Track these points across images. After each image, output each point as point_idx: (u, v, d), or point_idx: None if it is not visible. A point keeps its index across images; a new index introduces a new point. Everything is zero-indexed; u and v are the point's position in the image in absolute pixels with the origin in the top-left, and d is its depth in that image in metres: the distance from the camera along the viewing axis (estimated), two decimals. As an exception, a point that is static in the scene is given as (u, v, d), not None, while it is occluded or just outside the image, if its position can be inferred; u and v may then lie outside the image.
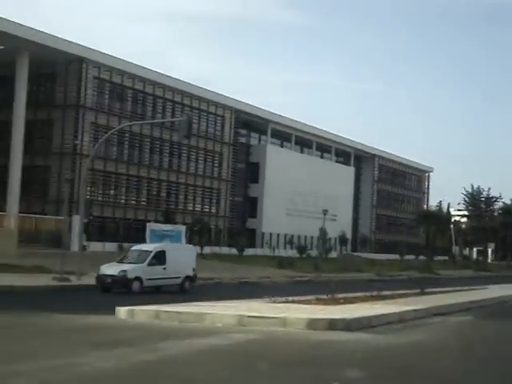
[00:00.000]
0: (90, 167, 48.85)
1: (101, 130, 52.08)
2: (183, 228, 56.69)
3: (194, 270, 29.02)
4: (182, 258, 28.44)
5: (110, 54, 53.00)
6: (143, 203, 57.59)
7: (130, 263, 27.46)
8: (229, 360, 10.51)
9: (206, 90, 61.42)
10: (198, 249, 52.97)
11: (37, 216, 46.76)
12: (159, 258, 27.70)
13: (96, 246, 47.68)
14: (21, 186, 48.82)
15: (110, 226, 54.49)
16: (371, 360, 10.92)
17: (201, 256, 50.21)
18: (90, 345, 11.59)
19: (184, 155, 61.16)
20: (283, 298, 18.48)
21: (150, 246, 29.53)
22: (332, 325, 13.89)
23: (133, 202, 56.80)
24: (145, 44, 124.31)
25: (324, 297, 18.51)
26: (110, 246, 49.47)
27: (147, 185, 57.86)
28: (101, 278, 26.90)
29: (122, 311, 16.21)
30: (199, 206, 63.31)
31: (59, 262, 30.30)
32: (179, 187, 60.79)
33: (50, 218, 47.48)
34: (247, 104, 67.25)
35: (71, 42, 49.76)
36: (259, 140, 74.64)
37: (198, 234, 58.38)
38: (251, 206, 71.05)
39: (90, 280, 29.72)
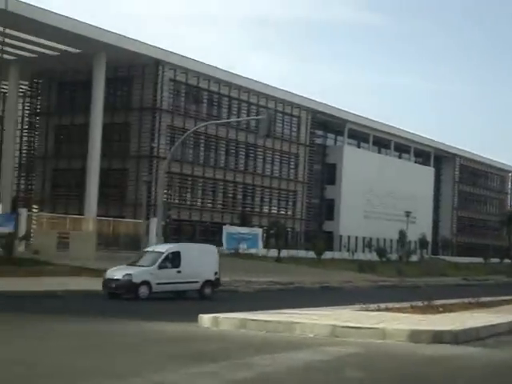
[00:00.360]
0: (167, 170, 48.76)
1: (177, 133, 51.85)
2: (260, 231, 55.94)
3: (216, 273, 25.85)
4: (202, 260, 25.43)
5: (185, 55, 52.72)
6: (219, 206, 57.03)
7: (140, 266, 24.74)
8: (333, 380, 9.36)
9: (281, 90, 60.44)
10: (275, 252, 52.51)
11: (115, 219, 46.70)
12: (173, 260, 24.92)
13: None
14: (98, 189, 49.05)
15: (187, 228, 54.16)
16: (495, 379, 9.57)
17: (277, 259, 49.36)
18: (178, 358, 10.65)
19: (260, 157, 60.35)
20: (375, 306, 17.18)
21: (164, 247, 26.41)
22: (437, 337, 12.54)
23: (209, 204, 56.33)
24: (218, 47, 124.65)
25: (419, 304, 17.10)
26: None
27: (223, 187, 57.31)
28: (106, 283, 24.16)
29: (206, 319, 15.27)
30: (275, 208, 62.36)
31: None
32: (255, 189, 60.02)
33: (127, 221, 47.37)
34: (323, 104, 65.94)
35: (147, 45, 49.68)
36: (335, 141, 73.19)
37: (275, 237, 57.43)
38: (328, 208, 69.65)
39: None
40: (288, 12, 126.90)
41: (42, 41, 46.82)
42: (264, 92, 58.81)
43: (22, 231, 39.95)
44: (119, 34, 47.59)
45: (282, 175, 62.65)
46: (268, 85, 59.52)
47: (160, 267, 24.37)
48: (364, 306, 17.20)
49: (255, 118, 47.18)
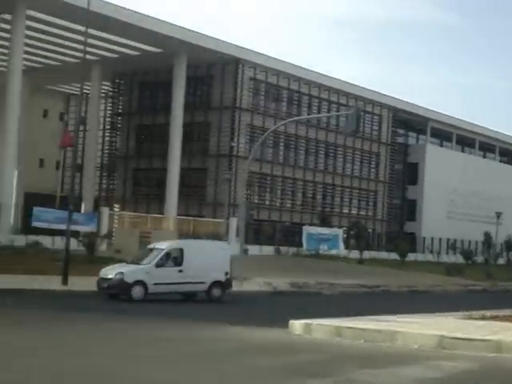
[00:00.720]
0: (248, 169, 48.20)
1: (256, 132, 51.28)
2: (340, 232, 54.77)
3: (227, 273, 23.60)
4: (210, 258, 23.13)
5: (265, 54, 52.10)
6: (298, 206, 56.13)
7: (138, 264, 22.90)
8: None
9: (362, 88, 59.06)
10: (356, 253, 51.24)
11: (195, 218, 46.52)
12: (174, 258, 22.99)
13: (253, 250, 46.70)
14: (178, 189, 48.99)
15: (267, 228, 53.51)
16: None
17: (360, 261, 48.08)
18: (271, 372, 9.85)
19: (340, 156, 59.16)
20: (479, 313, 15.98)
21: (165, 244, 24.23)
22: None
23: (288, 204, 55.51)
24: (295, 47, 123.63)
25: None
26: (267, 250, 48.40)
27: (302, 187, 56.41)
28: (99, 282, 22.39)
29: (298, 325, 14.45)
30: (355, 208, 60.97)
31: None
32: (335, 189, 58.84)
33: (207, 221, 47.13)
34: (405, 102, 64.13)
35: (228, 43, 49.28)
36: (417, 139, 71.21)
37: (355, 238, 56.14)
38: (409, 209, 67.75)
39: (252, 286, 28.51)
40: (364, 11, 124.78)
41: (123, 40, 47.04)
42: (344, 90, 57.60)
43: (103, 230, 40.20)
44: (200, 33, 47.37)
45: (363, 175, 61.25)
46: (348, 82, 58.28)
47: (158, 266, 22.42)
48: (467, 313, 16.03)
49: (342, 113, 45.92)
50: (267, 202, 53.78)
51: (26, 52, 45.36)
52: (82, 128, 57.13)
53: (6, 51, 45.26)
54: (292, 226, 54.55)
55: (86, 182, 52.89)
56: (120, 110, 56.51)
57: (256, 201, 52.32)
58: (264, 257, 44.14)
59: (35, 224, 37.09)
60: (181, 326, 15.68)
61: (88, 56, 49.75)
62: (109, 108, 59.08)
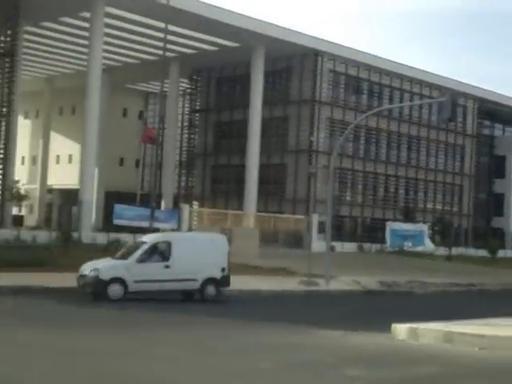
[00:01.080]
0: (326, 164, 46.94)
1: (336, 126, 49.93)
2: (425, 227, 52.85)
3: (224, 270, 21.27)
4: (203, 253, 20.83)
5: (344, 45, 50.65)
6: (380, 201, 54.42)
7: (120, 259, 20.72)
8: None
9: (446, 78, 56.68)
10: (442, 250, 49.25)
11: (275, 215, 45.58)
12: (160, 252, 20.72)
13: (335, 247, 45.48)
14: (257, 185, 48.19)
15: (348, 225, 52.08)
16: None
17: (448, 258, 46.16)
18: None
19: (423, 149, 57.05)
20: None
21: (150, 236, 22.27)
22: None
23: (369, 199, 53.89)
24: (375, 41, 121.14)
25: None
26: (349, 247, 47.04)
27: (384, 182, 54.64)
28: (78, 280, 20.37)
29: (402, 330, 13.23)
30: (440, 203, 58.73)
31: (306, 264, 28.31)
32: (418, 184, 56.79)
33: (288, 217, 46.10)
34: (491, 92, 61.37)
35: (307, 35, 48.06)
36: (503, 131, 68.20)
37: (440, 233, 54.02)
38: (496, 204, 64.84)
39: (340, 285, 27.34)
40: (440, 3, 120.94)
41: (201, 36, 46.50)
42: (428, 80, 55.44)
43: (184, 227, 39.78)
44: (278, 25, 46.36)
45: (447, 168, 58.94)
46: (432, 73, 56.09)
47: (140, 261, 20.11)
48: None
49: (435, 100, 43.91)
50: (348, 198, 52.32)
51: (105, 50, 45.41)
52: (160, 126, 57.24)
53: (85, 50, 45.43)
54: (374, 221, 52.95)
55: (165, 180, 52.74)
56: (198, 107, 56.11)
57: (327, 196, 50.86)
58: (347, 254, 42.86)
59: (116, 222, 36.96)
60: (260, 331, 14.63)
61: (167, 53, 49.72)
62: (186, 105, 58.86)
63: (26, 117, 62.41)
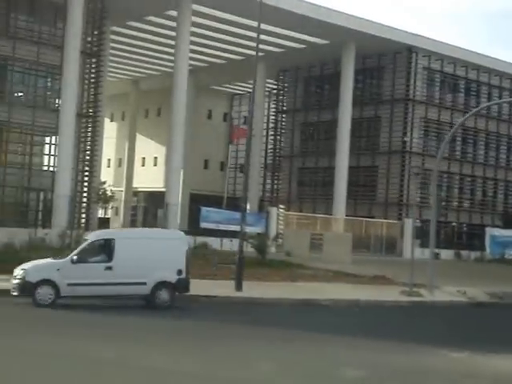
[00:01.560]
0: (420, 166, 44.57)
1: (431, 125, 47.36)
2: (528, 234, 49.38)
3: (180, 272, 18.24)
4: (154, 252, 18.02)
5: (440, 40, 47.94)
6: (478, 206, 51.30)
7: (59, 259, 18.11)
8: None
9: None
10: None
11: (367, 219, 43.45)
12: (101, 251, 18.08)
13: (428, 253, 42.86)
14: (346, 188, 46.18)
15: (444, 231, 49.18)
16: None
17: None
18: None
19: (524, 151, 53.61)
20: None
21: (93, 234, 19.56)
22: None
23: (466, 204, 50.88)
24: (461, 40, 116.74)
25: None
26: (446, 254, 44.35)
27: (482, 185, 51.55)
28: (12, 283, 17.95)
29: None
30: (541, 208, 54.97)
31: (402, 272, 26.17)
32: (518, 187, 53.40)
33: (380, 222, 43.89)
34: None
35: (399, 30, 45.73)
36: None
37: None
38: None
39: (444, 296, 25.02)
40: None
41: (288, 33, 44.80)
42: (529, 78, 52.07)
43: (272, 231, 38.22)
44: (369, 20, 44.20)
45: (550, 171, 55.21)
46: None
47: (75, 261, 17.48)
48: None
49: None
50: (444, 202, 49.49)
51: (191, 51, 44.38)
52: (246, 128, 56.04)
53: (170, 50, 44.56)
54: (471, 227, 49.94)
55: (251, 183, 51.18)
56: (284, 108, 54.49)
57: (430, 200, 48.27)
58: (444, 262, 40.23)
59: (203, 225, 35.78)
60: (382, 350, 12.76)
61: (253, 52, 48.31)
62: (272, 106, 57.35)
63: (111, 119, 62.42)
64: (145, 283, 17.85)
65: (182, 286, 18.31)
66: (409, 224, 42.42)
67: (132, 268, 17.77)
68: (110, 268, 17.66)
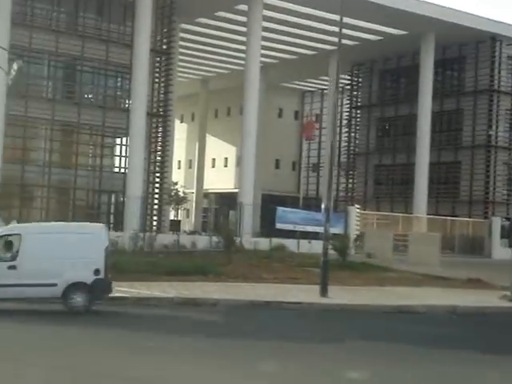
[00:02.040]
0: (507, 160, 42.04)
1: (517, 117, 44.60)
2: None
3: (98, 272, 15.98)
4: (66, 249, 15.90)
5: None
6: None
7: None
8: None
9: None
10: None
11: (451, 218, 41.04)
12: (5, 248, 16.17)
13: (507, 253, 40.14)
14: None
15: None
16: None
17: None
18: None
19: None
20: None
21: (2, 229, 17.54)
22: None
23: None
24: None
25: None
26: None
27: None
28: None
29: None
30: None
31: (496, 275, 23.98)
32: None
33: (465, 221, 41.39)
34: None
35: (482, 18, 43.20)
36: None
37: None
38: None
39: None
40: None
41: (363, 24, 42.76)
42: None
43: (351, 232, 36.35)
44: (452, 9, 41.76)
45: None
46: None
47: None
48: None
49: None
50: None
51: (262, 47, 42.87)
52: (317, 126, 54.30)
53: (240, 47, 43.21)
54: None
55: (324, 181, 49.50)
56: (359, 103, 52.38)
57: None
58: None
59: (279, 226, 34.30)
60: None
61: (326, 46, 46.60)
62: (346, 102, 55.30)
63: (181, 120, 61.61)
64: (55, 284, 15.76)
65: (99, 287, 16.02)
66: (497, 223, 39.99)
67: (40, 267, 15.75)
68: (13, 267, 15.70)
